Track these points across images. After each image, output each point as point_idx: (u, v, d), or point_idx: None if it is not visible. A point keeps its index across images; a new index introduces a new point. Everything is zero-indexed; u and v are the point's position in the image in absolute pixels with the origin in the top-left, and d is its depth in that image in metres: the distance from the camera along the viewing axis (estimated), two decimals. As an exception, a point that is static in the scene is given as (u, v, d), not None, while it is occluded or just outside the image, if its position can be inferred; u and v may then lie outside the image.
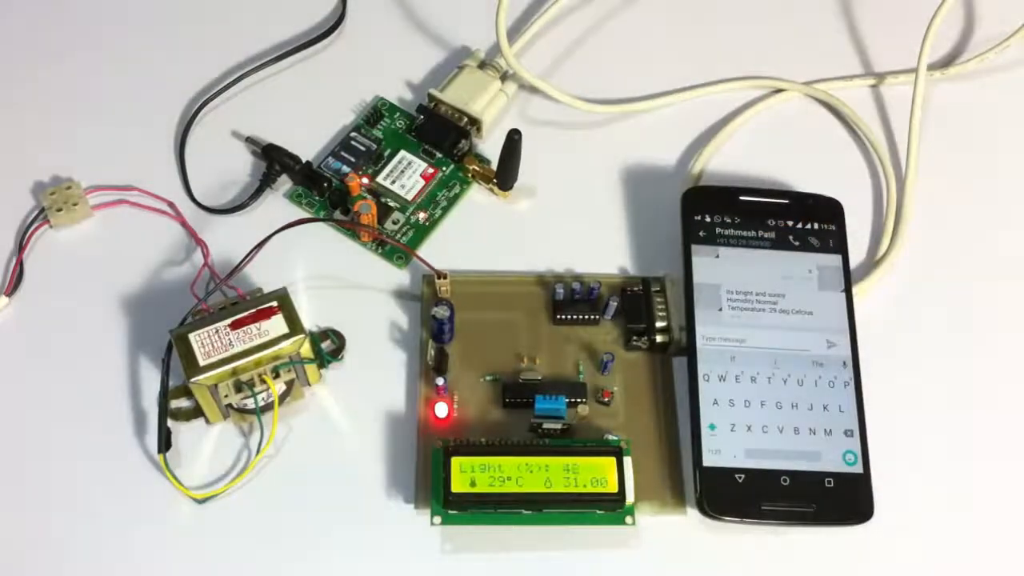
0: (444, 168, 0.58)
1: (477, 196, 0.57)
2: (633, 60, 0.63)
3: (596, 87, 0.61)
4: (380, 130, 0.59)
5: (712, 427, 0.48)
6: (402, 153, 0.58)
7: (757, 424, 0.48)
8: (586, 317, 0.52)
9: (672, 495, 0.49)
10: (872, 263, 0.56)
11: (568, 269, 0.55)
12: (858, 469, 0.48)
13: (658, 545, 0.48)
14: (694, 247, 0.52)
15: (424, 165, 0.57)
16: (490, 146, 0.59)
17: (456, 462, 0.46)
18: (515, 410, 0.50)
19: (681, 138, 0.60)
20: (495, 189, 0.57)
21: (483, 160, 0.58)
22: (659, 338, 0.52)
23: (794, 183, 0.57)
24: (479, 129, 0.59)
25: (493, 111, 0.59)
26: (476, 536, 0.48)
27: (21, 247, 0.54)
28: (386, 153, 0.58)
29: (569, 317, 0.52)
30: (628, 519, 0.46)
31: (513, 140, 0.53)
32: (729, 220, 0.53)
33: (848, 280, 0.52)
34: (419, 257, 0.53)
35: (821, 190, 0.55)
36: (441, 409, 0.49)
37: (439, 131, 0.58)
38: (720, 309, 0.51)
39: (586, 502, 0.46)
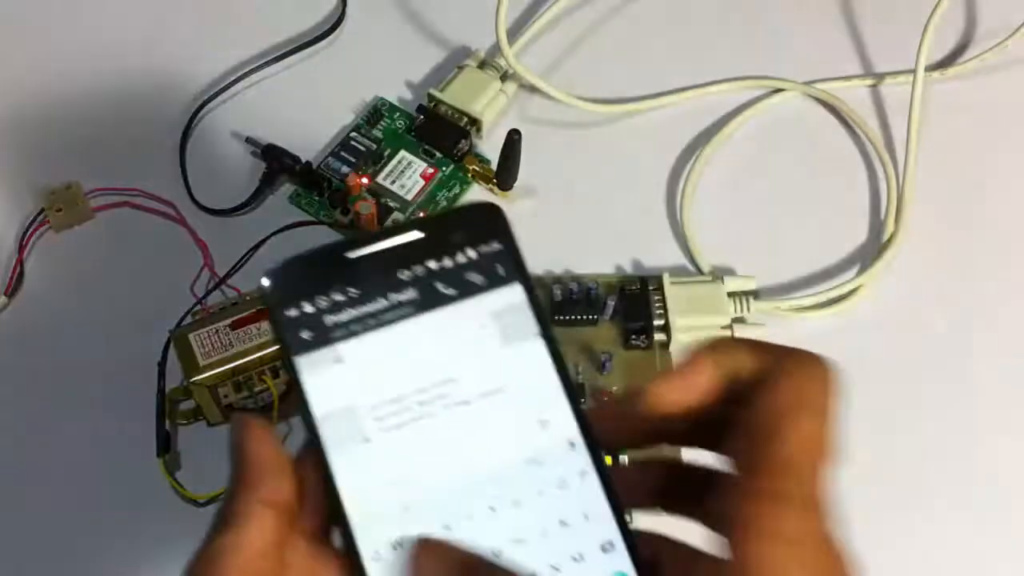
0: (444, 168, 0.58)
1: (477, 196, 0.57)
2: (633, 60, 0.63)
3: (596, 87, 0.61)
4: (380, 130, 0.59)
5: None
6: (402, 153, 0.58)
7: None
8: (585, 317, 0.52)
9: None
10: (872, 262, 0.56)
11: (567, 269, 0.55)
12: None
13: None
14: (298, 360, 0.33)
15: (424, 165, 0.57)
16: (490, 146, 0.59)
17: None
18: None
19: (681, 138, 0.60)
20: (495, 189, 0.57)
21: (483, 160, 0.58)
22: (658, 336, 0.52)
23: (794, 183, 0.57)
24: (479, 129, 0.59)
25: (493, 111, 0.59)
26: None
27: (21, 247, 0.54)
28: (386, 153, 0.58)
29: (568, 317, 0.52)
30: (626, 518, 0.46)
31: (513, 140, 0.54)
32: (340, 298, 0.34)
33: (541, 315, 0.34)
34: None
35: (821, 190, 0.55)
36: (440, 409, 0.49)
37: (439, 131, 0.58)
38: (367, 440, 0.33)
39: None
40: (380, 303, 0.34)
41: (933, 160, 0.58)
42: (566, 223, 0.56)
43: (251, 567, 0.30)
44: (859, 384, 0.51)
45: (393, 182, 0.57)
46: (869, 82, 0.62)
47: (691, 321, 0.52)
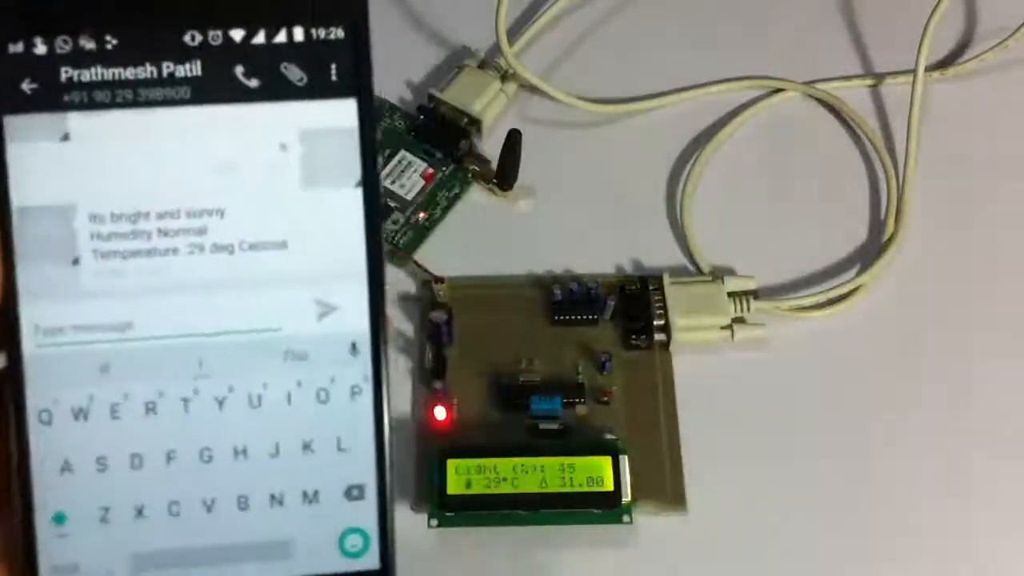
0: (444, 168, 0.58)
1: (477, 196, 0.57)
2: (633, 60, 0.63)
3: (596, 87, 0.61)
4: (380, 130, 0.59)
5: (60, 519, 0.25)
6: (402, 153, 0.58)
7: (158, 500, 0.25)
8: (585, 317, 0.52)
9: (672, 495, 0.49)
10: (872, 262, 0.56)
11: (567, 269, 0.55)
12: (370, 564, 0.26)
13: (657, 544, 0.48)
14: (9, 120, 0.24)
15: (424, 165, 0.58)
16: (490, 146, 0.59)
17: (452, 464, 0.46)
18: (514, 412, 0.50)
19: (681, 138, 0.60)
20: (495, 189, 0.57)
21: (483, 160, 0.58)
22: (658, 336, 0.52)
23: (794, 183, 0.57)
24: (479, 129, 0.59)
25: (493, 111, 0.59)
26: (473, 538, 0.48)
27: (22, 247, 0.54)
28: (386, 153, 0.58)
29: (568, 318, 0.52)
30: (625, 518, 0.46)
31: (513, 140, 0.54)
32: (90, 47, 0.24)
33: (371, 155, 0.26)
34: (417, 263, 0.53)
35: (821, 190, 0.55)
36: (440, 412, 0.49)
37: (439, 131, 0.58)
38: (76, 261, 0.25)
39: (582, 501, 0.46)
40: (146, 70, 0.24)
41: (933, 160, 0.58)
42: (566, 223, 0.56)
43: None
44: (859, 384, 0.52)
45: (393, 182, 0.57)
46: (869, 82, 0.62)
47: (691, 321, 0.52)
